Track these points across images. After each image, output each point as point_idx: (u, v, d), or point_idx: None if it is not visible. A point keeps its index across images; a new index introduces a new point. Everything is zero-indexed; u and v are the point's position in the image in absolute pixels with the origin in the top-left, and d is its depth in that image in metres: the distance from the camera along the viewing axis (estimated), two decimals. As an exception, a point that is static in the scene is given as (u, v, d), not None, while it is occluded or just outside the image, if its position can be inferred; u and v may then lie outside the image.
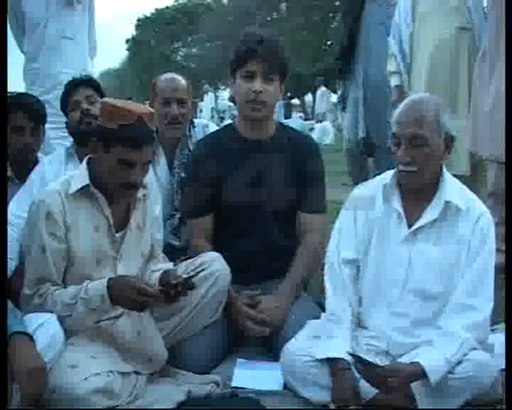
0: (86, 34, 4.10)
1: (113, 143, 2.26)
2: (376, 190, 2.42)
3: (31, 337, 2.05)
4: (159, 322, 2.50)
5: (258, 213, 2.83)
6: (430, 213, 2.33)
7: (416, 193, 2.36)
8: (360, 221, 2.43)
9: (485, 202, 2.53)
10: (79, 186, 2.33)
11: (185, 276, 2.36)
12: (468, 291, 2.26)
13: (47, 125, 3.20)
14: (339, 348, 2.27)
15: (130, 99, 3.97)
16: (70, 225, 2.31)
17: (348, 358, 2.23)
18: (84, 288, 2.26)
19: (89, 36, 4.13)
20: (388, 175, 2.43)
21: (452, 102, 3.77)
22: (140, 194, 2.44)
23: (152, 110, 2.40)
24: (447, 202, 2.32)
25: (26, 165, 3.03)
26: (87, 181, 2.34)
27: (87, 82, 3.03)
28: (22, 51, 4.11)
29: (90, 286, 2.26)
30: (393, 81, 4.04)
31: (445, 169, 2.38)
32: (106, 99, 2.43)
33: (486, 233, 2.30)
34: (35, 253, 2.29)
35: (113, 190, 2.34)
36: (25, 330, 2.06)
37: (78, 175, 2.37)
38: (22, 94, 3.44)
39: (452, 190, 2.35)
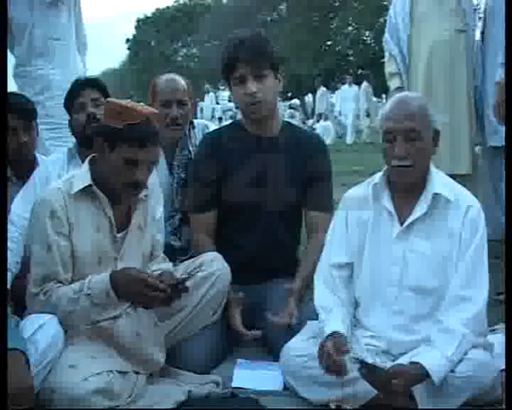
0: (74, 34, 4.09)
1: (119, 142, 2.27)
2: (367, 191, 2.43)
3: (23, 353, 1.98)
4: (159, 322, 2.50)
5: (260, 211, 2.83)
6: (420, 207, 2.33)
7: (406, 190, 2.36)
8: (352, 223, 2.44)
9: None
10: (81, 186, 2.33)
11: (179, 278, 2.35)
12: (463, 283, 2.26)
13: (39, 127, 3.16)
14: (333, 324, 2.29)
15: (130, 98, 3.96)
16: (72, 223, 2.31)
17: (343, 331, 2.25)
18: (87, 282, 2.26)
19: (77, 34, 4.12)
20: (377, 175, 2.43)
21: (449, 104, 3.78)
22: (142, 194, 2.44)
23: (156, 111, 2.41)
24: (436, 194, 2.32)
25: (25, 164, 3.01)
26: (89, 181, 2.34)
27: (93, 83, 2.98)
28: (13, 54, 4.12)
29: (93, 280, 2.27)
30: (394, 83, 4.02)
31: (431, 164, 2.39)
32: (111, 99, 2.43)
33: (477, 224, 2.30)
34: (40, 251, 2.29)
35: (118, 190, 2.35)
36: (17, 345, 1.99)
37: (80, 175, 2.37)
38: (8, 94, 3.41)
39: (440, 182, 2.35)
